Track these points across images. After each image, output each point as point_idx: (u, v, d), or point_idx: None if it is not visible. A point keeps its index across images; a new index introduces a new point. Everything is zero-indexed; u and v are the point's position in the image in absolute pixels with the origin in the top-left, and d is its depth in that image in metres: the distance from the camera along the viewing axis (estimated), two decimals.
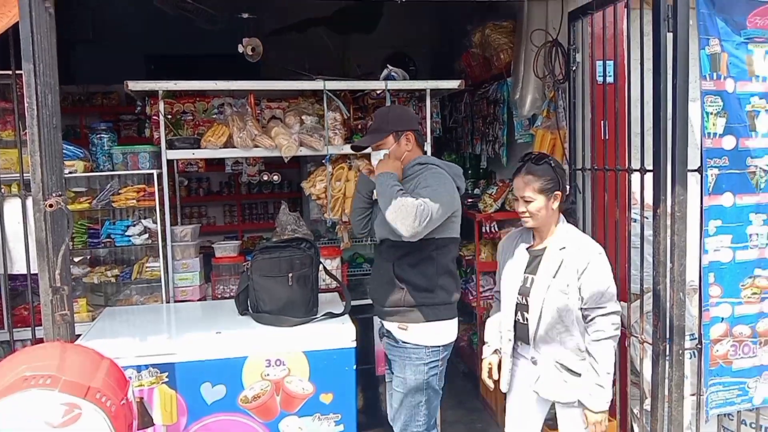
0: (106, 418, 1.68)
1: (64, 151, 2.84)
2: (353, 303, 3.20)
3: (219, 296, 3.82)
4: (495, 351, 2.75)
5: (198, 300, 3.70)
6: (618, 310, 2.50)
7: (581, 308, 2.49)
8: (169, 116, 3.82)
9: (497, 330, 2.74)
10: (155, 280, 3.67)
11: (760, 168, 2.75)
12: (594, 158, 3.26)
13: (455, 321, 2.86)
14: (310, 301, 3.09)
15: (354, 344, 2.89)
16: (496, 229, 4.51)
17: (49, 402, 1.68)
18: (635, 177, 2.90)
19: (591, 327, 2.49)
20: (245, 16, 4.60)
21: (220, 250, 3.91)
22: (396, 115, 2.92)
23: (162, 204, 3.60)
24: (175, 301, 3.61)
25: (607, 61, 3.18)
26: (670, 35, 2.62)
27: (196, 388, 2.76)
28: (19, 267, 3.11)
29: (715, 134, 2.69)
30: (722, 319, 2.75)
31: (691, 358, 2.83)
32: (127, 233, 3.66)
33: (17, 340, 3.27)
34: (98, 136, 3.76)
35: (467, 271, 5.11)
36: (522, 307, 2.60)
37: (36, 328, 3.11)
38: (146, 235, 3.67)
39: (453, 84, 3.92)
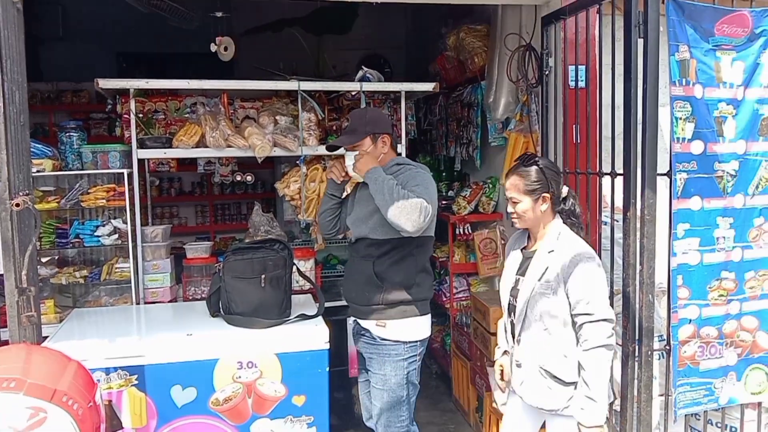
0: (72, 421, 1.65)
1: (32, 149, 2.78)
2: (327, 305, 3.19)
3: (190, 298, 3.78)
4: (505, 352, 2.69)
5: (169, 301, 3.65)
6: (610, 318, 2.38)
7: (571, 314, 2.42)
8: (141, 115, 3.77)
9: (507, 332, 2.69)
10: (125, 281, 3.61)
11: (727, 172, 2.80)
12: (566, 161, 3.29)
13: (429, 317, 2.93)
14: (283, 303, 3.07)
15: (327, 346, 2.88)
16: (470, 231, 4.55)
17: (13, 405, 1.64)
18: (606, 180, 2.94)
19: (581, 335, 2.39)
20: (219, 15, 4.55)
21: (191, 251, 3.86)
22: (373, 117, 2.93)
23: (132, 204, 3.54)
24: (145, 303, 3.56)
25: (579, 66, 3.22)
26: (641, 41, 2.66)
27: (166, 391, 2.72)
28: None
29: (684, 139, 2.74)
30: (690, 320, 2.79)
31: (659, 359, 2.87)
32: (96, 233, 3.60)
33: None
34: (67, 134, 3.69)
35: (441, 272, 5.13)
36: (512, 309, 2.57)
37: (0, 329, 3.04)
38: (116, 236, 3.61)
39: (428, 86, 3.94)
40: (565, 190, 2.56)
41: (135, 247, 3.55)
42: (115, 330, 2.96)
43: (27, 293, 2.23)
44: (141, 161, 3.64)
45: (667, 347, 2.81)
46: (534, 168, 2.49)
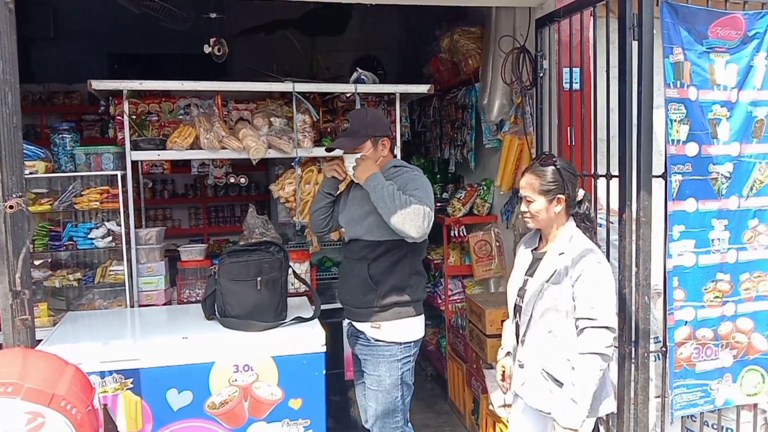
0: (71, 426, 1.63)
1: (24, 150, 2.75)
2: (322, 307, 3.18)
3: (185, 300, 3.76)
4: (508, 354, 2.67)
5: (163, 304, 3.62)
6: (612, 327, 2.34)
7: (574, 317, 2.38)
8: (134, 116, 3.74)
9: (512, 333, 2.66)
10: (119, 284, 3.59)
11: (722, 174, 2.82)
12: None
13: (423, 317, 2.94)
14: (279, 306, 3.05)
15: (324, 349, 2.87)
16: (465, 233, 4.55)
17: (11, 410, 1.63)
18: (601, 182, 2.95)
19: (579, 339, 2.35)
20: (213, 15, 4.53)
21: (186, 254, 3.84)
22: (373, 119, 2.91)
23: (126, 206, 3.52)
24: (140, 306, 3.54)
25: (574, 68, 3.23)
26: (635, 43, 2.67)
27: (161, 395, 2.70)
28: None
29: (678, 141, 2.75)
30: (686, 322, 2.80)
31: (655, 360, 2.87)
32: (89, 236, 3.57)
33: None
34: (60, 135, 3.66)
35: (436, 274, 5.13)
36: (518, 309, 2.55)
37: None
38: (110, 238, 3.58)
39: (423, 88, 3.94)
40: (581, 193, 2.52)
41: (129, 249, 3.52)
42: (109, 333, 2.94)
43: (21, 296, 2.21)
44: (134, 163, 3.62)
45: (663, 349, 2.82)
46: (551, 168, 2.45)
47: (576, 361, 2.33)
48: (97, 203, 3.53)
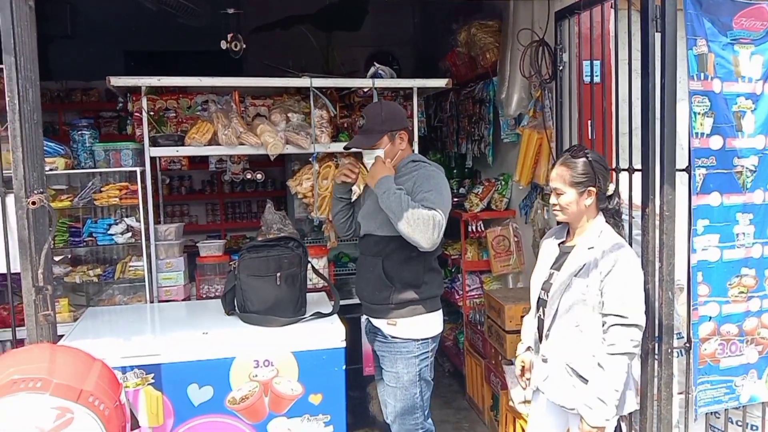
0: (99, 422, 1.64)
1: (44, 147, 2.77)
2: (341, 302, 3.17)
3: (204, 296, 3.77)
4: (528, 348, 2.64)
5: (182, 300, 3.64)
6: (641, 325, 2.32)
7: (602, 313, 2.35)
8: (152, 113, 3.76)
9: (533, 327, 2.63)
10: (138, 280, 3.61)
11: (747, 168, 2.78)
12: None
13: (440, 312, 2.93)
14: (299, 301, 3.05)
15: (343, 344, 2.86)
16: (482, 229, 4.53)
17: (39, 406, 1.63)
18: (623, 176, 2.91)
19: (607, 337, 2.32)
20: (230, 11, 4.54)
21: (205, 249, 3.85)
22: (389, 113, 2.89)
23: (145, 202, 3.53)
24: (159, 301, 3.56)
25: (594, 61, 3.19)
26: (658, 35, 2.63)
27: (182, 390, 2.71)
28: None
29: (702, 134, 2.71)
30: (710, 318, 2.77)
31: (678, 356, 2.84)
32: (109, 232, 3.59)
33: None
34: (79, 132, 3.69)
35: (453, 270, 5.11)
36: (542, 303, 2.51)
37: (17, 328, 3.02)
38: (129, 234, 3.61)
39: (440, 82, 3.92)
40: (611, 187, 2.48)
41: (148, 245, 3.54)
42: (130, 329, 2.95)
43: (44, 292, 2.23)
44: (153, 159, 3.64)
45: (687, 345, 2.78)
46: (582, 160, 2.41)
47: (604, 362, 2.30)
48: (117, 199, 3.56)
